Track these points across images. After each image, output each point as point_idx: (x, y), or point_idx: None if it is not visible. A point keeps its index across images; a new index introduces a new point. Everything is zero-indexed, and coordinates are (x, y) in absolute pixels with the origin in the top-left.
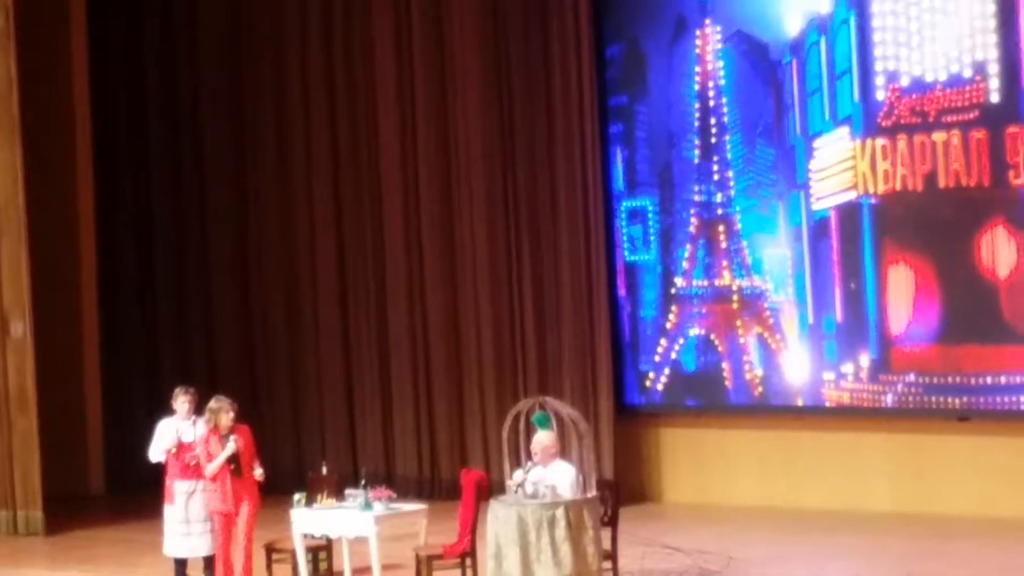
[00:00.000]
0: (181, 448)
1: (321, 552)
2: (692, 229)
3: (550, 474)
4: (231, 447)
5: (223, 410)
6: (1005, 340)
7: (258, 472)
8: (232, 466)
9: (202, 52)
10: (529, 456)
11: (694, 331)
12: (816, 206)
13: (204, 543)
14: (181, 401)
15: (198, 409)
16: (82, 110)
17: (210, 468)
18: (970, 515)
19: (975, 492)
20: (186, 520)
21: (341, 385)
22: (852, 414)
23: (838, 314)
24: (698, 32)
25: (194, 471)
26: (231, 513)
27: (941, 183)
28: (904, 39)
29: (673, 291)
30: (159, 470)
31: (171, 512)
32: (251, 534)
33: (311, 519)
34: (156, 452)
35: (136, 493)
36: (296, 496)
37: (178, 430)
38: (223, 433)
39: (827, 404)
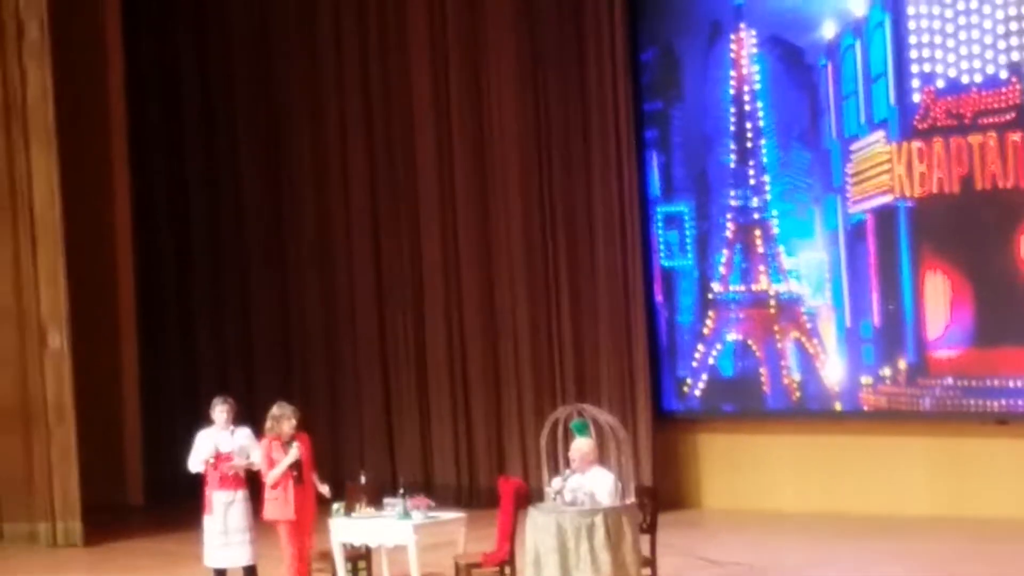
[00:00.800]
0: (219, 458)
1: (360, 561)
2: (729, 234)
3: (589, 481)
4: (293, 454)
5: (285, 417)
6: None
7: (324, 488)
8: (295, 473)
9: (235, 58)
10: (567, 463)
11: (731, 336)
12: (852, 210)
13: (244, 553)
14: (219, 411)
15: (236, 419)
16: (117, 119)
17: (272, 475)
18: (1010, 518)
19: (1015, 495)
20: (225, 531)
21: (379, 394)
22: (890, 418)
23: (875, 318)
24: (733, 36)
25: (232, 481)
26: (293, 521)
27: (978, 185)
28: (939, 41)
29: (710, 296)
30: (198, 481)
31: (210, 522)
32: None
33: (350, 528)
34: (195, 463)
35: (175, 504)
36: (335, 505)
37: (216, 440)
38: (285, 440)
39: (865, 408)
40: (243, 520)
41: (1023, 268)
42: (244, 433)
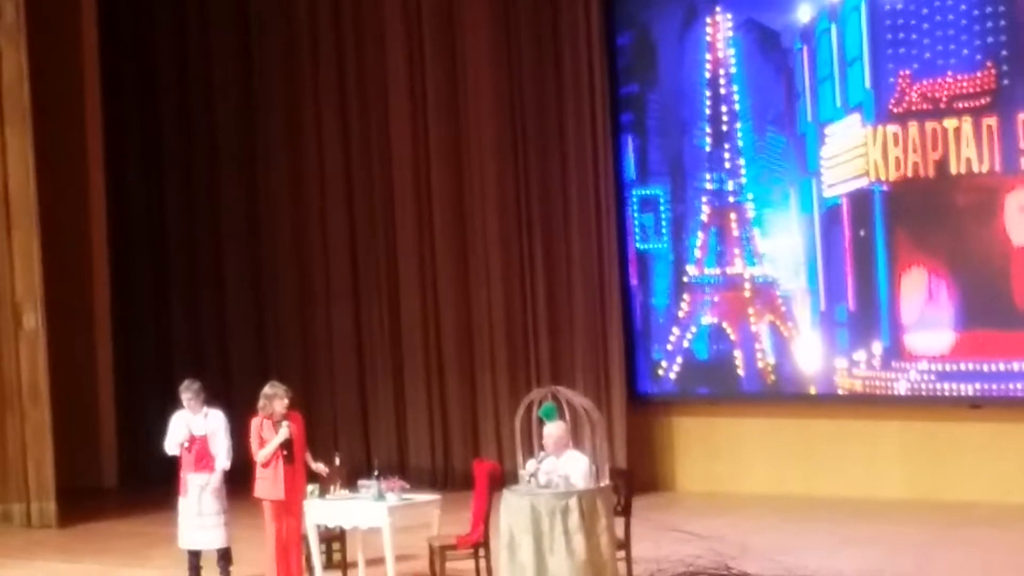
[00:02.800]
0: (193, 441)
1: (335, 543)
2: (704, 217)
3: (563, 464)
4: (284, 433)
5: (277, 396)
6: (1018, 326)
7: (318, 466)
8: (284, 452)
9: (213, 42)
10: (542, 446)
11: (706, 319)
12: (828, 193)
13: (218, 535)
14: (186, 397)
15: (208, 400)
16: (93, 101)
17: (262, 454)
18: (985, 502)
19: (989, 479)
20: (199, 512)
21: (354, 376)
22: (865, 402)
23: (850, 301)
24: (708, 20)
25: (207, 464)
26: (282, 501)
27: (953, 169)
28: (915, 25)
29: (685, 279)
30: (172, 462)
31: (185, 504)
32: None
33: (325, 510)
34: (171, 445)
35: (149, 486)
36: (309, 487)
37: (189, 423)
38: (276, 420)
39: (840, 392)
40: (217, 503)
41: (996, 252)
42: (217, 416)
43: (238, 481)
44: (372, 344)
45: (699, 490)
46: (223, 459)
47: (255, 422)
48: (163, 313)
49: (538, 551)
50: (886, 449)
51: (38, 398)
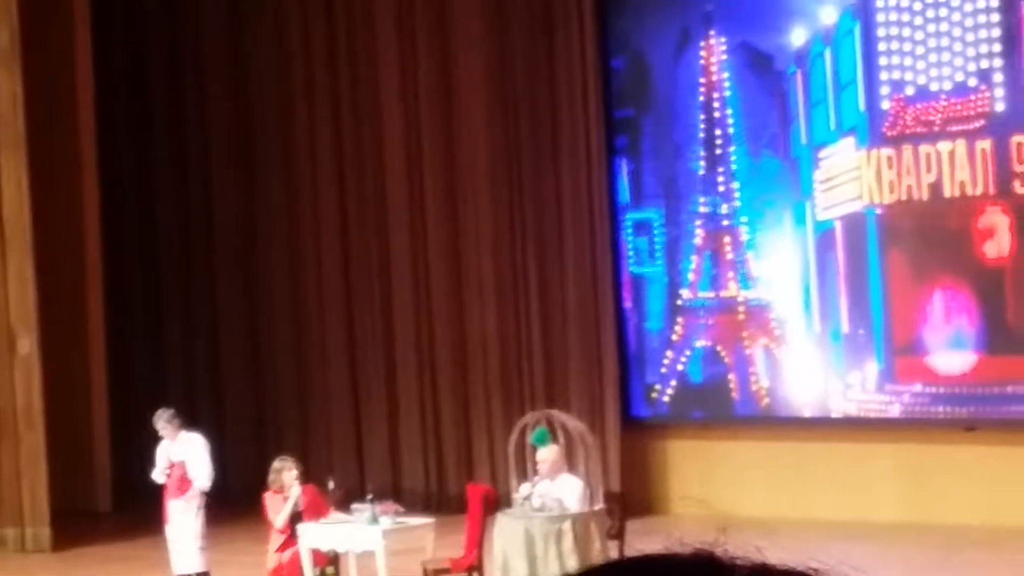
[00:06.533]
0: (172, 467)
1: (328, 567)
2: (698, 240)
3: (557, 487)
4: (296, 492)
5: (286, 468)
6: (1012, 350)
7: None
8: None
9: (206, 64)
10: (536, 469)
11: (700, 343)
12: (822, 216)
13: (197, 560)
14: (160, 427)
15: (185, 425)
16: (87, 125)
17: (279, 519)
18: (978, 525)
19: (983, 502)
20: (179, 538)
21: (348, 400)
22: (859, 425)
23: (844, 325)
24: (703, 43)
25: (186, 489)
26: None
27: (947, 192)
28: (909, 49)
29: (679, 303)
30: (163, 489)
31: (169, 531)
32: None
33: (319, 534)
34: (157, 474)
35: (143, 509)
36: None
37: (168, 451)
38: (286, 495)
39: (833, 415)
40: (196, 528)
41: (991, 276)
42: (194, 439)
43: (230, 503)
44: (366, 367)
45: (693, 513)
46: (201, 480)
47: (267, 497)
48: (157, 337)
49: (532, 574)
50: (880, 472)
51: (32, 423)
